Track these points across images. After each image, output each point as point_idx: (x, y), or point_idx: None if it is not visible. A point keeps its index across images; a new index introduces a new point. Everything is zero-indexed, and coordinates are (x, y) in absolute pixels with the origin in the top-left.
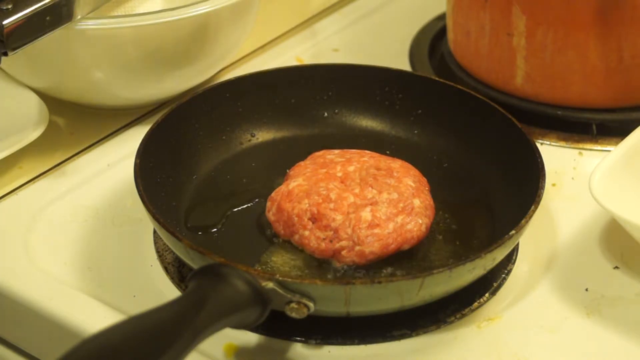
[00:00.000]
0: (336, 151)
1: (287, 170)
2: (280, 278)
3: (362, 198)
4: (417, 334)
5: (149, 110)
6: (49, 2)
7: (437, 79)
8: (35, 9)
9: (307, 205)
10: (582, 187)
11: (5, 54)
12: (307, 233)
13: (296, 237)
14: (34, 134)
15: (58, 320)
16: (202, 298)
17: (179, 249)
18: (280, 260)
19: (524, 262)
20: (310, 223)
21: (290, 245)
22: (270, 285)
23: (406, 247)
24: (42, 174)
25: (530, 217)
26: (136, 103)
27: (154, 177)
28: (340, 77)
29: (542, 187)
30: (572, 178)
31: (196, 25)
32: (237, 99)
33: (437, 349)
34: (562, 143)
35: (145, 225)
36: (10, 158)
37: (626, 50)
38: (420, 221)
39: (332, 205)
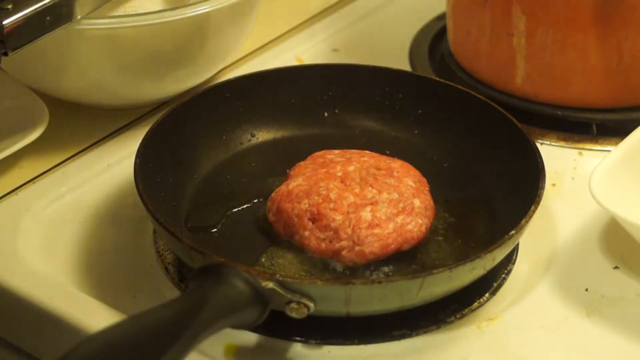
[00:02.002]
0: (336, 151)
1: (287, 170)
2: (280, 278)
3: (362, 198)
4: (417, 334)
5: (149, 110)
6: (49, 2)
7: (437, 79)
8: (35, 9)
9: (307, 205)
10: (582, 187)
11: (5, 54)
12: (307, 233)
13: (296, 237)
14: (34, 134)
15: (58, 320)
16: (202, 298)
17: (179, 249)
18: (280, 260)
19: (524, 262)
20: (310, 223)
21: (291, 246)
22: (270, 285)
23: (406, 247)
24: (42, 174)
25: (530, 217)
26: (136, 103)
27: (154, 177)
28: (340, 77)
29: (542, 187)
30: (572, 178)
31: (196, 25)
32: (237, 99)
33: (437, 349)
34: (562, 143)
35: (145, 225)
36: (10, 158)
37: (626, 50)
38: (421, 221)
39: (332, 205)
